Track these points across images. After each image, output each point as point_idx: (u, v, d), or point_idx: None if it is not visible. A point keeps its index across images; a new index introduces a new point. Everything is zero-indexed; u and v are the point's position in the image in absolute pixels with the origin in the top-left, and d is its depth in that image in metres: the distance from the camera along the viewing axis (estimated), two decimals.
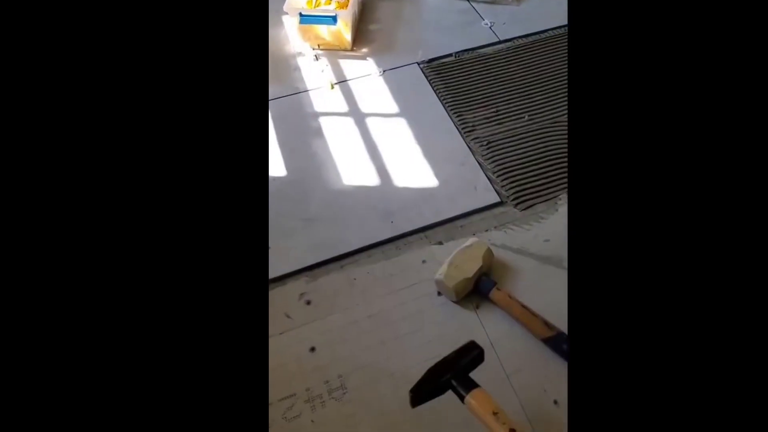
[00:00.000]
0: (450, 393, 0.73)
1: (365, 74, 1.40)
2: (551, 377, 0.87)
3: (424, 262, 1.02)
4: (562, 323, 0.91)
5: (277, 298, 0.98)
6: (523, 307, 0.93)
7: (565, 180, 1.15)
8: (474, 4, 1.59)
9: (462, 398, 0.72)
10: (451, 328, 0.93)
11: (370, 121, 1.29)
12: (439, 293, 0.97)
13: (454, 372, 0.73)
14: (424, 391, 0.73)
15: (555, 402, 0.85)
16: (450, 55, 1.44)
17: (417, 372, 0.81)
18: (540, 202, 1.12)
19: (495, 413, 0.70)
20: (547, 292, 0.97)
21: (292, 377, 0.88)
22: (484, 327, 0.94)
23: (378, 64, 1.42)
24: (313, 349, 0.92)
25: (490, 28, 1.51)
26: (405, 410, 0.77)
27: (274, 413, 0.85)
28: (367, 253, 1.04)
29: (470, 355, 0.76)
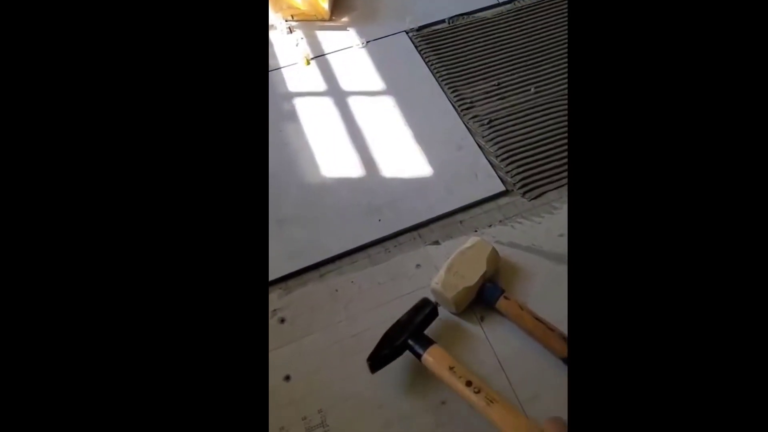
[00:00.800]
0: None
1: (346, 47, 1.21)
2: None
3: (418, 266, 0.87)
4: None
5: None
6: (537, 319, 0.77)
7: None
8: None
9: (419, 357, 0.73)
10: (452, 346, 0.78)
11: (352, 101, 1.11)
12: (437, 304, 0.81)
13: (410, 332, 0.74)
14: (381, 356, 0.73)
15: None
16: (443, 21, 1.25)
17: (410, 405, 0.69)
18: (552, 190, 0.96)
19: (451, 368, 0.71)
20: (565, 299, 0.81)
21: None
22: (491, 344, 0.78)
23: (360, 35, 1.23)
24: (287, 378, 0.77)
25: None
26: None
27: None
28: (350, 259, 0.88)
29: (423, 312, 0.77)
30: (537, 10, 1.27)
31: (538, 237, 0.89)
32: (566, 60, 1.16)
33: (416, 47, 1.20)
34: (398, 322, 0.77)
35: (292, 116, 1.09)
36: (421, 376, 0.75)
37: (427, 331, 0.76)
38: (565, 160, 0.99)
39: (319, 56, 1.20)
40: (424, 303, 0.79)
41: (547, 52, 1.18)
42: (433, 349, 0.73)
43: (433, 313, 0.78)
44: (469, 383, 0.70)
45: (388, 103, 1.11)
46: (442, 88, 1.13)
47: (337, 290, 0.85)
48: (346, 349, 0.79)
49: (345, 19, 1.27)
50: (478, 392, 0.69)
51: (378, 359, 0.73)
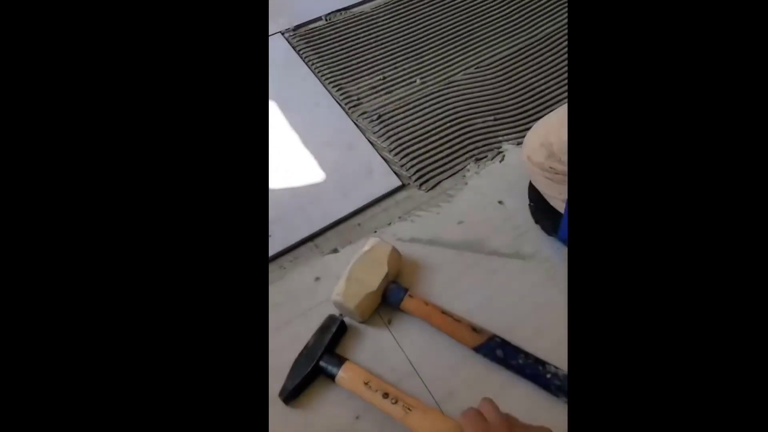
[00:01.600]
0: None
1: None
2: (493, 392, 0.71)
3: (317, 279, 0.81)
4: (492, 324, 0.74)
5: None
6: (444, 313, 0.75)
7: (472, 147, 0.98)
8: None
9: (333, 377, 0.69)
10: (362, 356, 0.73)
11: None
12: (342, 317, 0.77)
13: (320, 356, 0.70)
14: (294, 388, 0.69)
15: None
16: (320, 18, 1.21)
17: (323, 427, 0.64)
18: (446, 178, 0.95)
19: (366, 382, 0.68)
20: (470, 287, 0.80)
21: None
22: (402, 347, 0.75)
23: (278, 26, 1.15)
24: None
25: None
26: None
27: None
28: None
29: (331, 331, 0.73)
30: (414, 1, 1.26)
31: (438, 228, 0.88)
32: (448, 48, 1.16)
33: (294, 48, 1.15)
34: (306, 347, 0.72)
35: None
36: (332, 393, 0.70)
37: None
38: (456, 146, 0.98)
39: None
40: (331, 321, 0.74)
41: (428, 41, 1.18)
42: (346, 366, 0.69)
43: (342, 330, 0.74)
44: (386, 395, 0.66)
45: (270, 108, 1.04)
46: (326, 87, 1.08)
47: None
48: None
49: None
50: (395, 402, 0.66)
51: (291, 392, 0.68)
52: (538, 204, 0.84)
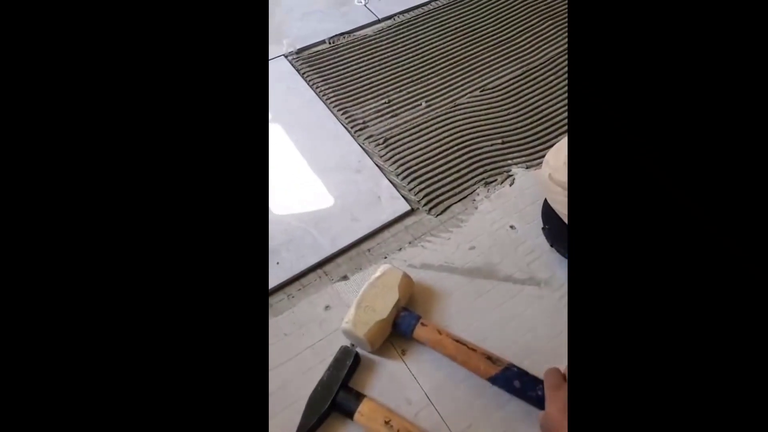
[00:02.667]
0: None
1: None
2: (511, 424, 0.68)
3: (327, 308, 0.79)
4: (509, 352, 0.72)
5: None
6: (458, 341, 0.73)
7: (480, 171, 0.97)
8: None
9: (351, 415, 0.67)
10: (376, 388, 0.71)
11: None
12: (353, 346, 0.74)
13: (336, 392, 0.68)
14: (311, 428, 0.66)
15: None
16: (323, 41, 1.21)
17: None
18: (456, 202, 0.93)
19: (387, 421, 0.66)
20: (484, 314, 0.78)
21: None
22: (416, 378, 0.73)
23: None
24: None
25: (365, 5, 1.30)
26: None
27: None
28: None
29: (346, 364, 0.70)
30: (416, 25, 1.27)
31: (450, 254, 0.86)
32: (453, 71, 1.16)
33: (298, 71, 1.14)
34: (321, 381, 0.69)
35: None
36: (349, 430, 0.67)
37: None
38: (464, 171, 0.97)
39: None
40: (344, 353, 0.72)
41: (432, 64, 1.18)
42: (365, 404, 0.67)
43: (356, 362, 0.72)
44: None
45: (276, 132, 1.03)
46: (331, 110, 1.07)
47: None
48: (277, 409, 0.69)
49: None
50: None
51: (308, 430, 0.66)
52: (554, 226, 0.82)
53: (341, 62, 1.17)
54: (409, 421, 0.66)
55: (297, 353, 0.74)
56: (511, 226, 0.89)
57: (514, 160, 1.00)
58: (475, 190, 0.95)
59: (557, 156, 0.76)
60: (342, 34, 1.23)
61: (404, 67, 1.17)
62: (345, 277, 0.83)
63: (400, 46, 1.22)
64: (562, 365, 0.62)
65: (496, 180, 0.96)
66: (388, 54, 1.20)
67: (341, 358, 0.71)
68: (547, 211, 0.84)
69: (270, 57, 1.16)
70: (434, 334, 0.74)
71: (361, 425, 0.66)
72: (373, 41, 1.22)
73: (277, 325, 0.77)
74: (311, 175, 0.96)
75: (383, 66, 1.17)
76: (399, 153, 1.00)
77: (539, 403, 0.69)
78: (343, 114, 1.07)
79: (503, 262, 0.84)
